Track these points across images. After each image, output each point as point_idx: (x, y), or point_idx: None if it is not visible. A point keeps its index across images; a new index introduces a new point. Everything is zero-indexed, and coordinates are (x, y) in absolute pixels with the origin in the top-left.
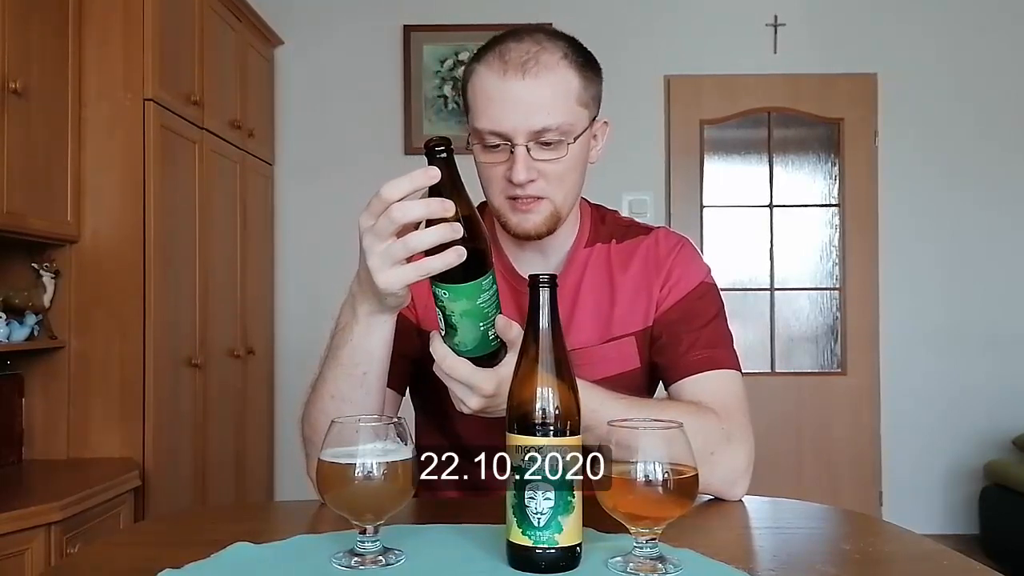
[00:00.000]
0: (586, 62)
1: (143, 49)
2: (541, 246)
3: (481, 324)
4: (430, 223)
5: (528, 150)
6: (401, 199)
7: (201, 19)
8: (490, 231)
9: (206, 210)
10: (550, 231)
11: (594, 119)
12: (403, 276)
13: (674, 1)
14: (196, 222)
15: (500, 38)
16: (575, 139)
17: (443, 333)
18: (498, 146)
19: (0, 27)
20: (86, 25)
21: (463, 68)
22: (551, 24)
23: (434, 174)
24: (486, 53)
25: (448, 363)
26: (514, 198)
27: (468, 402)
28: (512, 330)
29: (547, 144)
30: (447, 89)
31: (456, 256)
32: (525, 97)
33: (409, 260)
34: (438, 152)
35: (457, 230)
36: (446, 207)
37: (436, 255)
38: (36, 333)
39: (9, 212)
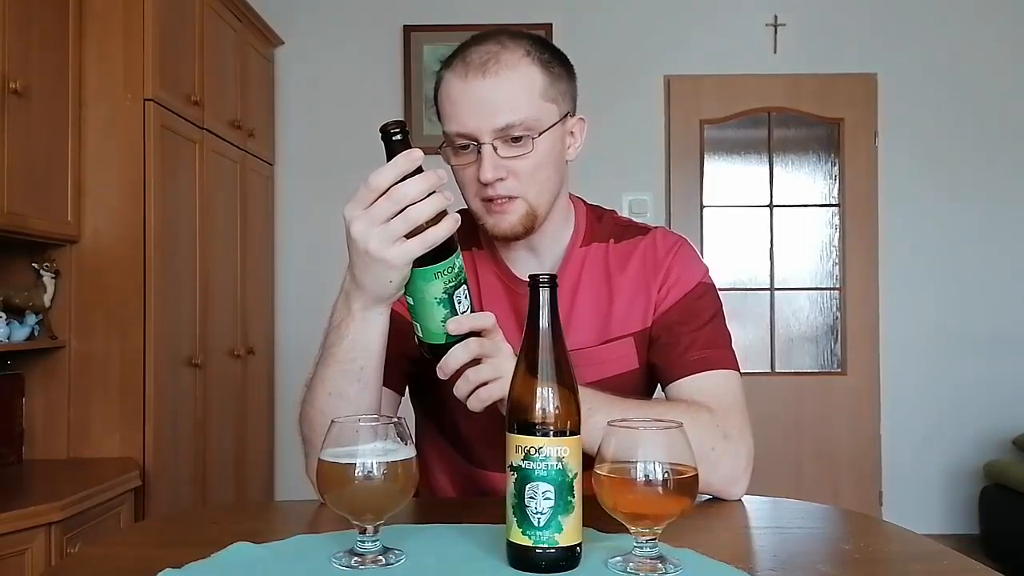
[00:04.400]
0: (552, 59)
1: (143, 49)
2: (532, 245)
3: (446, 309)
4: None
5: (495, 149)
6: (390, 185)
7: (201, 19)
8: (483, 235)
9: (206, 210)
10: (527, 231)
11: (567, 115)
12: (408, 251)
13: (674, 1)
14: (196, 222)
15: (464, 43)
16: (540, 134)
17: (419, 332)
18: (467, 147)
19: (0, 27)
20: (86, 25)
21: (435, 78)
22: (551, 25)
23: (416, 156)
24: (452, 59)
25: (445, 362)
26: (488, 200)
27: (495, 369)
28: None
29: (515, 141)
30: None
31: (454, 222)
32: (487, 96)
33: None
34: (394, 134)
35: (449, 197)
36: (440, 176)
37: (435, 225)
38: (36, 333)
39: (9, 212)
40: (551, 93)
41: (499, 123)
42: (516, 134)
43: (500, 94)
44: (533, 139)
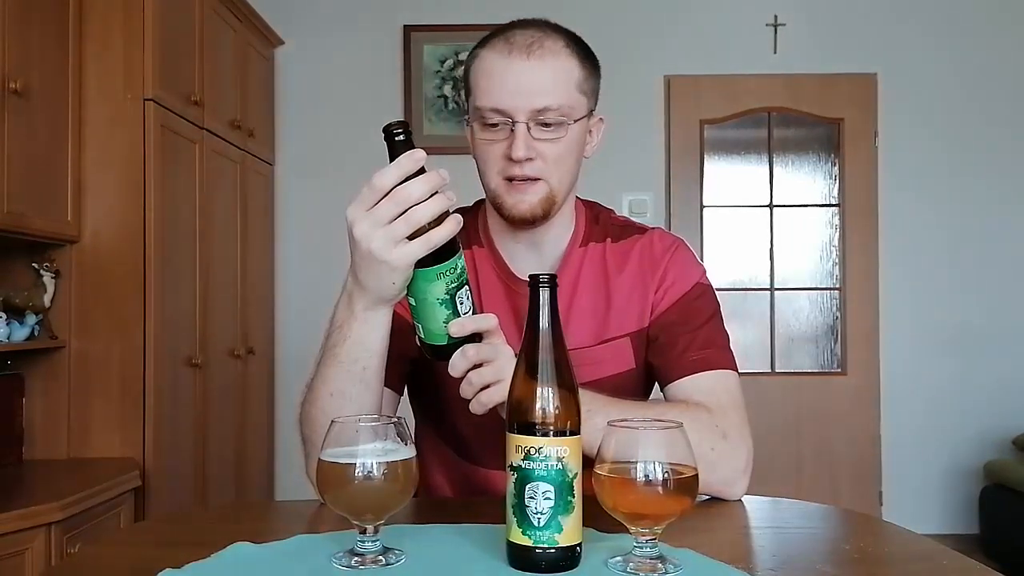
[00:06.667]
0: (586, 56)
1: (143, 49)
2: (535, 242)
3: (448, 310)
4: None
5: (528, 129)
6: (393, 186)
7: (201, 19)
8: (484, 233)
9: (206, 210)
10: (545, 215)
11: (591, 112)
12: (411, 252)
13: (674, 1)
14: (196, 222)
15: (506, 26)
16: (575, 121)
17: (421, 333)
18: (497, 124)
19: (0, 27)
20: (86, 25)
21: (467, 56)
22: None
23: (419, 157)
24: (491, 39)
25: (455, 362)
26: (511, 179)
27: (496, 372)
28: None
29: (547, 125)
30: (447, 89)
31: (456, 223)
32: (528, 76)
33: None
34: (397, 134)
35: (451, 197)
36: (443, 176)
37: (438, 226)
38: (36, 333)
39: (9, 212)
40: (585, 87)
41: (537, 104)
42: (550, 119)
43: (541, 77)
44: (567, 125)
